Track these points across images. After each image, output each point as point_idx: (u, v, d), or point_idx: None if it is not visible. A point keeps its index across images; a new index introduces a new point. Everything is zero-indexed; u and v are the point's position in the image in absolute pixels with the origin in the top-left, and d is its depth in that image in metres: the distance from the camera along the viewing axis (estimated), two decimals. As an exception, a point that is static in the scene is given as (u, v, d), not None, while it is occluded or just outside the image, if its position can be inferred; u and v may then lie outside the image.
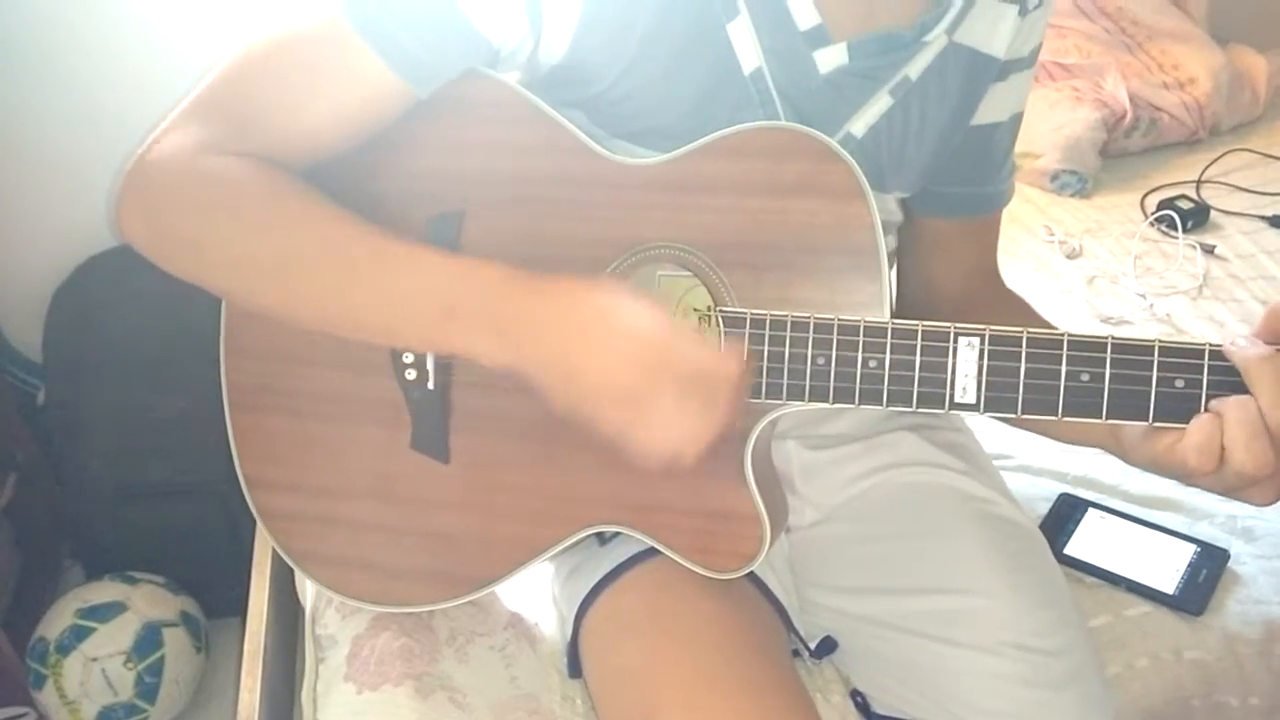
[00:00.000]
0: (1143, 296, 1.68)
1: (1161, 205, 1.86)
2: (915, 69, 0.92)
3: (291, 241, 0.82)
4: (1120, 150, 2.02)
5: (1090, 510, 1.28)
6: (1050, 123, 1.96)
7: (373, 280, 0.81)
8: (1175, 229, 1.81)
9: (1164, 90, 2.05)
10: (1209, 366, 0.76)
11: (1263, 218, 1.86)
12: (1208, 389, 0.76)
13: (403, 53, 0.82)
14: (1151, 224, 1.83)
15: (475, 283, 0.80)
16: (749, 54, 0.87)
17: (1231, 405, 0.75)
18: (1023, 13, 0.95)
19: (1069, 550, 1.22)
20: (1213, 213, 1.86)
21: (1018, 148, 1.08)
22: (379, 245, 0.81)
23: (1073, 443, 0.96)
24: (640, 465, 0.78)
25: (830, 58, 0.89)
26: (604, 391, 0.76)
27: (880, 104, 0.92)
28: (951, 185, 1.04)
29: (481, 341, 0.79)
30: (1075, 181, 1.95)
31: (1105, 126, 1.98)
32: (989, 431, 1.18)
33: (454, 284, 0.80)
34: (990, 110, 1.00)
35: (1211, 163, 1.98)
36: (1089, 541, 1.24)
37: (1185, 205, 1.84)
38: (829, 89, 0.90)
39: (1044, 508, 1.28)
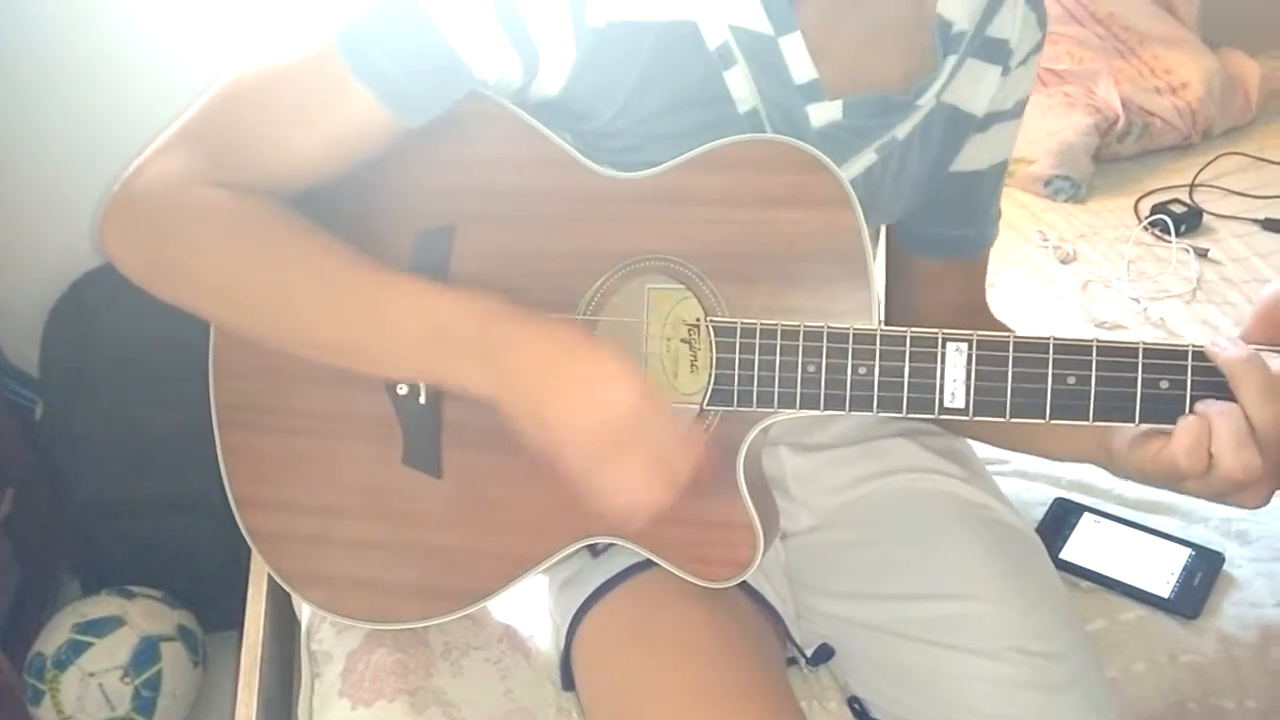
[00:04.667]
0: (1136, 300, 1.69)
1: (1155, 209, 1.86)
2: (903, 130, 0.93)
3: (278, 273, 0.83)
4: (1113, 155, 2.03)
5: (1085, 515, 1.28)
6: (1043, 128, 1.97)
7: (360, 311, 0.82)
8: (1168, 233, 1.81)
9: (1156, 95, 2.06)
10: (1192, 367, 0.77)
11: (1255, 221, 1.86)
12: (1192, 389, 0.77)
13: (392, 86, 0.82)
14: (1145, 228, 1.84)
15: (466, 313, 0.80)
16: (745, 97, 0.87)
17: (1217, 412, 0.75)
18: (1005, 72, 0.96)
19: (1064, 555, 1.23)
20: (1205, 216, 1.87)
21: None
22: (367, 275, 0.82)
23: (1062, 458, 0.96)
24: (592, 510, 0.81)
25: (824, 113, 0.89)
26: (573, 446, 0.77)
27: (865, 160, 0.93)
28: (934, 227, 1.04)
29: (468, 371, 0.80)
30: (1068, 186, 1.96)
31: (1098, 131, 1.99)
32: (983, 437, 1.19)
33: (444, 313, 0.80)
34: (971, 159, 1.00)
35: (1204, 167, 1.99)
36: (1084, 546, 1.24)
37: (1178, 209, 1.85)
38: (820, 141, 0.89)
39: (1039, 513, 1.29)
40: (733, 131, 0.87)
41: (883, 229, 1.10)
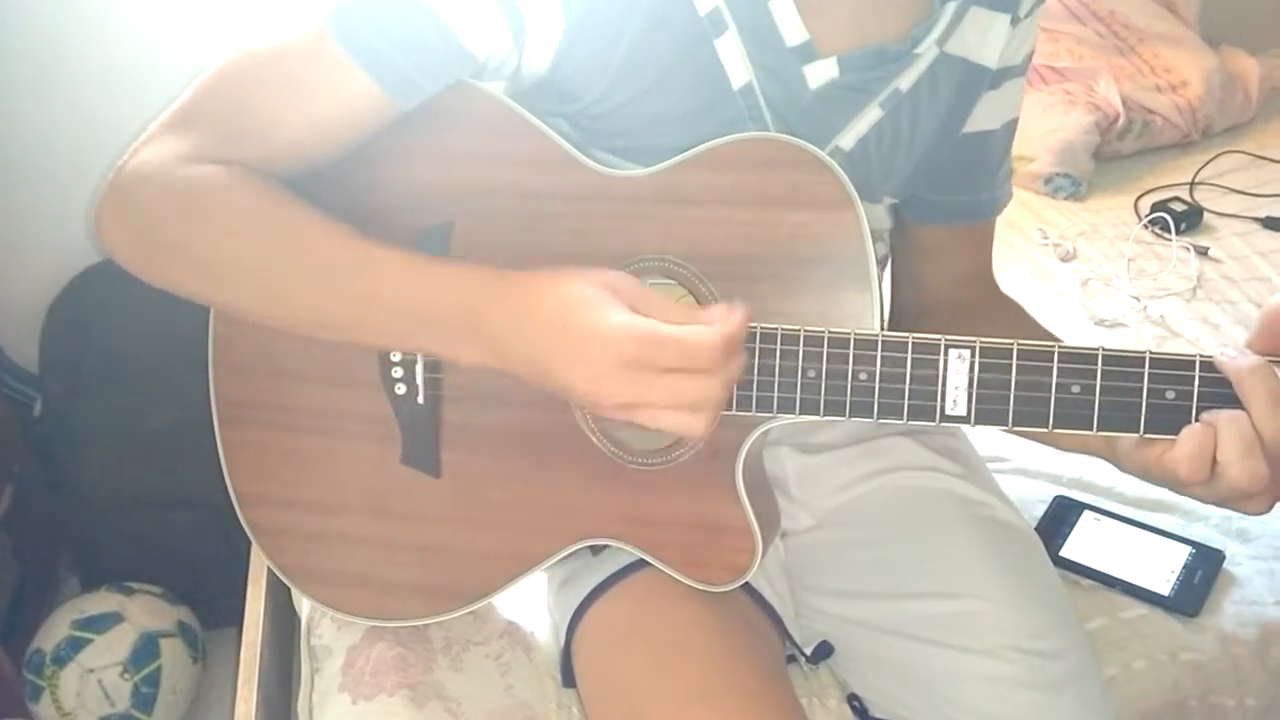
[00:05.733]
0: (1136, 299, 1.68)
1: (1155, 208, 1.86)
2: (906, 81, 0.92)
3: (272, 247, 0.82)
4: (1113, 153, 2.03)
5: (1085, 513, 1.28)
6: (1043, 126, 1.97)
7: (351, 285, 0.82)
8: (1169, 231, 1.81)
9: (1156, 93, 2.05)
10: (1200, 378, 0.76)
11: (1256, 219, 1.86)
12: (1199, 400, 0.76)
13: (387, 66, 0.82)
14: (1145, 226, 1.84)
15: (450, 287, 0.80)
16: (738, 69, 0.87)
17: (1224, 420, 0.74)
18: (1014, 21, 0.95)
19: (1065, 553, 1.23)
20: (1206, 215, 1.87)
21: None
22: (358, 249, 0.82)
23: (1066, 449, 0.96)
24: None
25: (820, 72, 0.89)
26: (599, 399, 0.75)
27: (870, 116, 0.92)
28: (946, 192, 1.04)
29: (459, 346, 0.80)
30: (1069, 184, 1.96)
31: (1098, 129, 1.98)
32: (983, 435, 1.19)
33: (429, 289, 0.80)
34: (983, 118, 1.00)
35: (1204, 165, 1.99)
36: (1084, 544, 1.24)
37: (1178, 207, 1.85)
38: (819, 103, 0.90)
39: (1039, 510, 1.29)
40: (727, 111, 0.87)
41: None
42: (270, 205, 0.83)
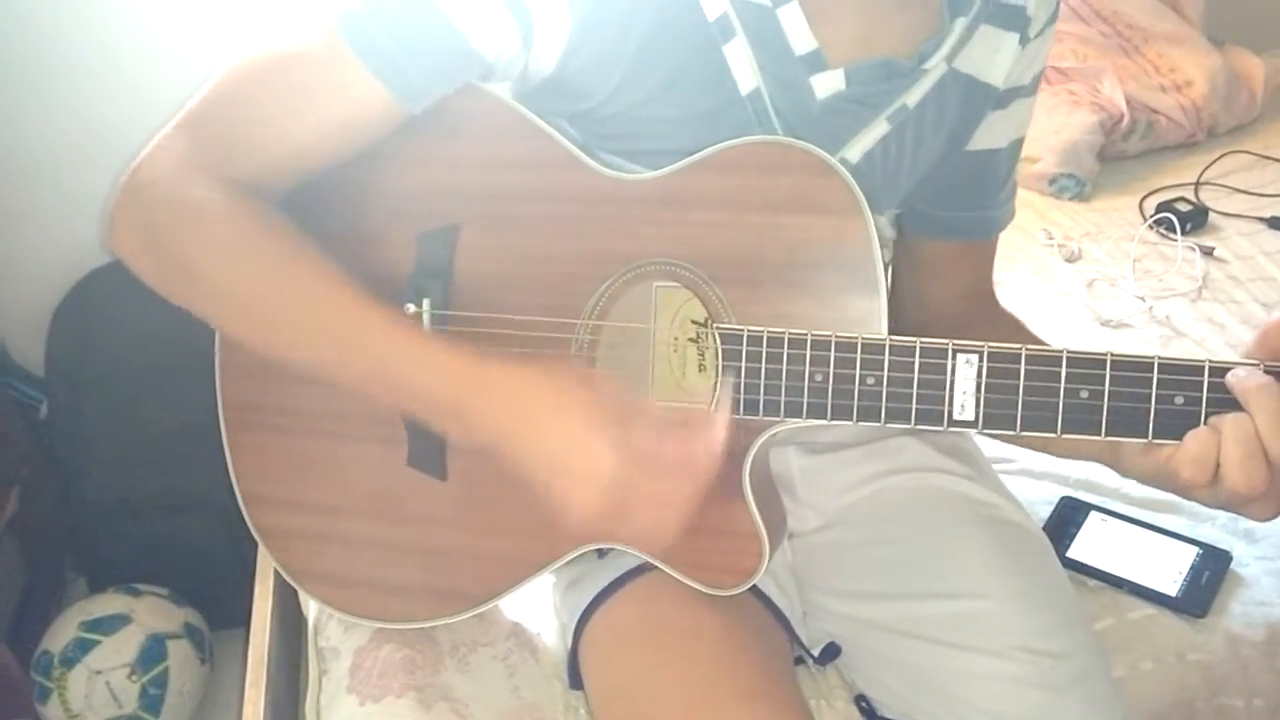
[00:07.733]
0: (1142, 299, 1.68)
1: (1160, 208, 1.86)
2: (914, 97, 0.92)
3: (265, 287, 0.83)
4: (1118, 153, 2.03)
5: (1092, 513, 1.28)
6: (1048, 126, 1.97)
7: (342, 345, 0.82)
8: (1174, 231, 1.81)
9: (1161, 93, 2.05)
10: (1209, 383, 0.76)
11: (1261, 219, 1.86)
12: (1207, 406, 0.76)
13: (397, 71, 0.82)
14: (1150, 226, 1.84)
15: (434, 372, 0.80)
16: (746, 75, 0.86)
17: (1229, 422, 0.75)
18: (1023, 41, 0.94)
19: (1071, 554, 1.23)
20: (1211, 215, 1.87)
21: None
22: (348, 309, 0.82)
23: (1065, 455, 0.96)
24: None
25: (827, 83, 0.88)
26: (581, 505, 0.77)
27: (877, 130, 0.92)
28: (948, 208, 1.03)
29: (444, 424, 0.82)
30: (1073, 185, 1.95)
31: (1103, 130, 1.98)
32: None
33: (417, 370, 0.80)
34: (988, 136, 0.99)
35: (1209, 165, 1.99)
36: (1091, 545, 1.24)
37: (1184, 207, 1.85)
38: (826, 114, 0.89)
39: (1046, 511, 1.29)
40: (735, 117, 0.87)
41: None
42: (267, 244, 0.83)
